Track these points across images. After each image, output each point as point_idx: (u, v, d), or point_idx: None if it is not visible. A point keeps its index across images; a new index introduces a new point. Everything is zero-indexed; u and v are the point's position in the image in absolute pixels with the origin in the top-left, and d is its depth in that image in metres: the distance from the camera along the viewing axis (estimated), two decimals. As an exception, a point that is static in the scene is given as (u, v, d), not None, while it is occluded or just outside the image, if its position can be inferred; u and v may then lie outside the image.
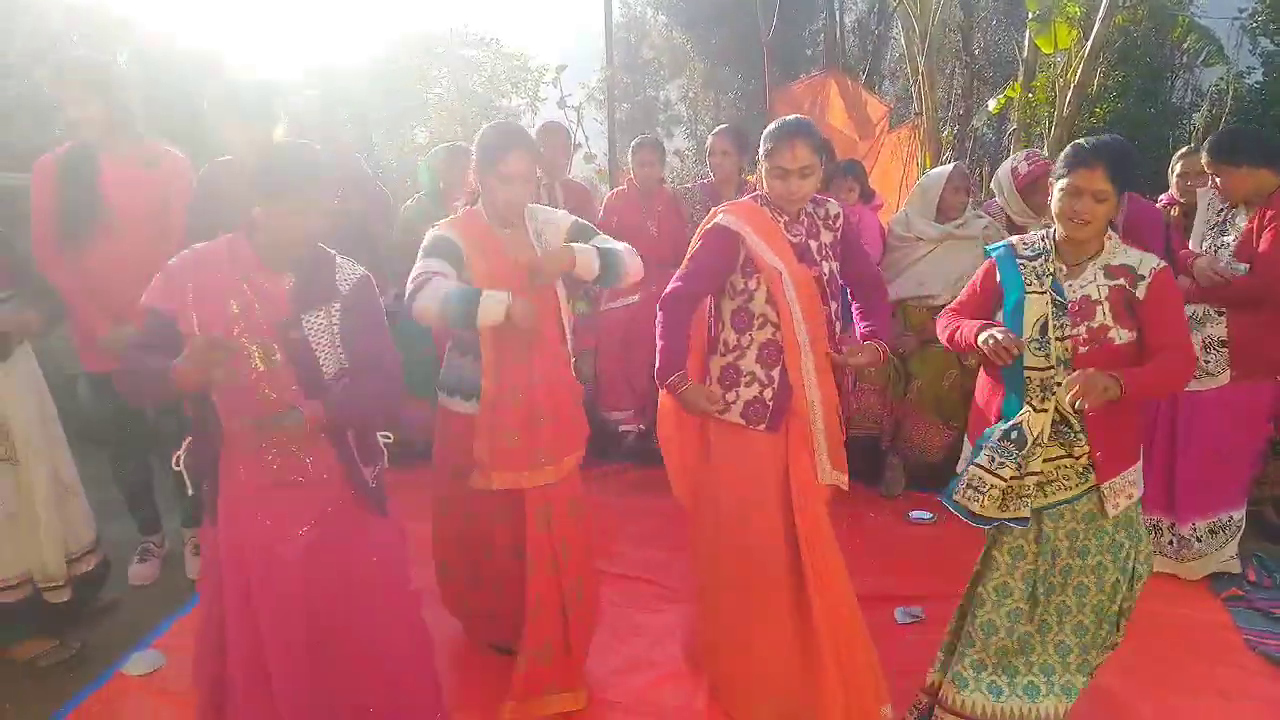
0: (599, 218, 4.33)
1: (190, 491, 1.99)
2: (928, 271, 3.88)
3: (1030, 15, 6.97)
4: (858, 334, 2.55)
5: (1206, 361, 3.15)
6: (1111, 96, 9.71)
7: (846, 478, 2.45)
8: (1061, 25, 6.73)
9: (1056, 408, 2.10)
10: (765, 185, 2.35)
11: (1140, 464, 2.24)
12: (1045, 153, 6.15)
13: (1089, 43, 6.60)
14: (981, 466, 2.12)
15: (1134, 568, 2.20)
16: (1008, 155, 5.67)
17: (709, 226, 2.40)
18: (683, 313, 2.40)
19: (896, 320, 3.96)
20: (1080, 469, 2.15)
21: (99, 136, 2.83)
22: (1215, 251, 3.17)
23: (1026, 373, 2.13)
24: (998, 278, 2.26)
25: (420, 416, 4.25)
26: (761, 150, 2.34)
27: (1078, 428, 2.12)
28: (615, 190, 4.82)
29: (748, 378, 2.38)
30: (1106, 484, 2.15)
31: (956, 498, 2.17)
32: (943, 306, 3.83)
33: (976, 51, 12.14)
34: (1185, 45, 9.04)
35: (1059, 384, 2.08)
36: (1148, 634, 2.68)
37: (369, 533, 2.09)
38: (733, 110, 14.90)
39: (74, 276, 2.87)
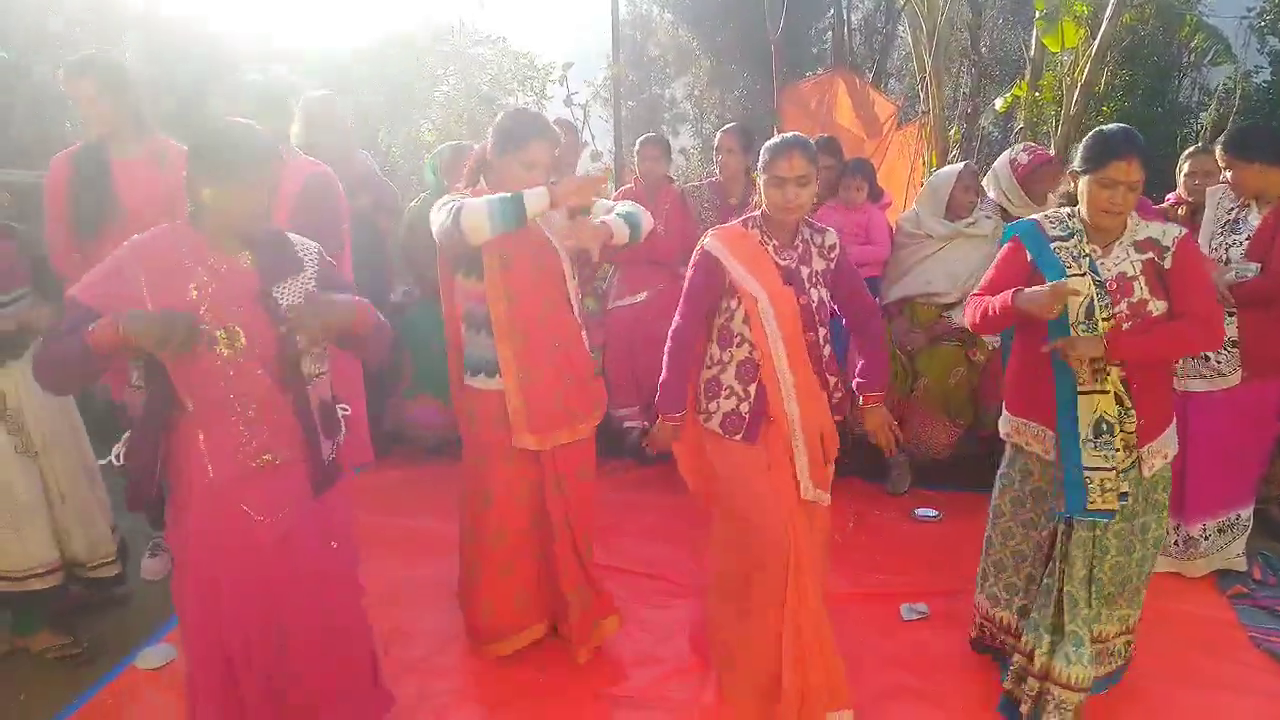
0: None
1: (132, 486, 1.96)
2: (935, 270, 3.89)
3: (1037, 14, 6.95)
4: (854, 383, 2.61)
5: (1218, 362, 3.15)
6: (1118, 95, 9.67)
7: (828, 495, 2.52)
8: (1069, 24, 6.71)
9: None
10: (764, 196, 2.40)
11: (1174, 425, 2.36)
12: (1050, 149, 6.16)
13: (1096, 41, 6.58)
14: (1095, 467, 2.19)
15: (1154, 535, 2.37)
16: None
17: (698, 251, 2.47)
18: (685, 341, 2.51)
19: (904, 318, 3.97)
20: (1131, 442, 2.25)
21: (110, 134, 2.85)
22: (1226, 250, 3.18)
23: None
24: (1028, 257, 2.31)
25: (430, 414, 4.29)
26: (760, 163, 2.40)
27: (1129, 403, 2.19)
28: (622, 189, 4.83)
29: (727, 391, 2.46)
30: (1146, 447, 2.25)
31: (1091, 506, 2.22)
32: (950, 305, 3.90)
33: (984, 50, 12.09)
34: (1193, 44, 9.00)
35: (1112, 364, 2.17)
36: (1153, 630, 2.70)
37: (328, 518, 2.11)
38: (738, 108, 14.88)
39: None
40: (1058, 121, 7.08)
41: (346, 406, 2.23)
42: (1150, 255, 2.22)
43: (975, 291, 2.47)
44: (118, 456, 1.97)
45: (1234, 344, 3.14)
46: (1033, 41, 7.52)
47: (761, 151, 2.40)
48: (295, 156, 2.99)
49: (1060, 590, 2.34)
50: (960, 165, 3.95)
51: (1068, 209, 2.36)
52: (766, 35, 8.57)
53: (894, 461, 4.08)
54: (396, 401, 4.33)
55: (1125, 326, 2.18)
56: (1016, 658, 2.45)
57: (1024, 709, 2.37)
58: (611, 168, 8.39)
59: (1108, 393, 2.17)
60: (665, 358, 2.52)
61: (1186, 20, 8.68)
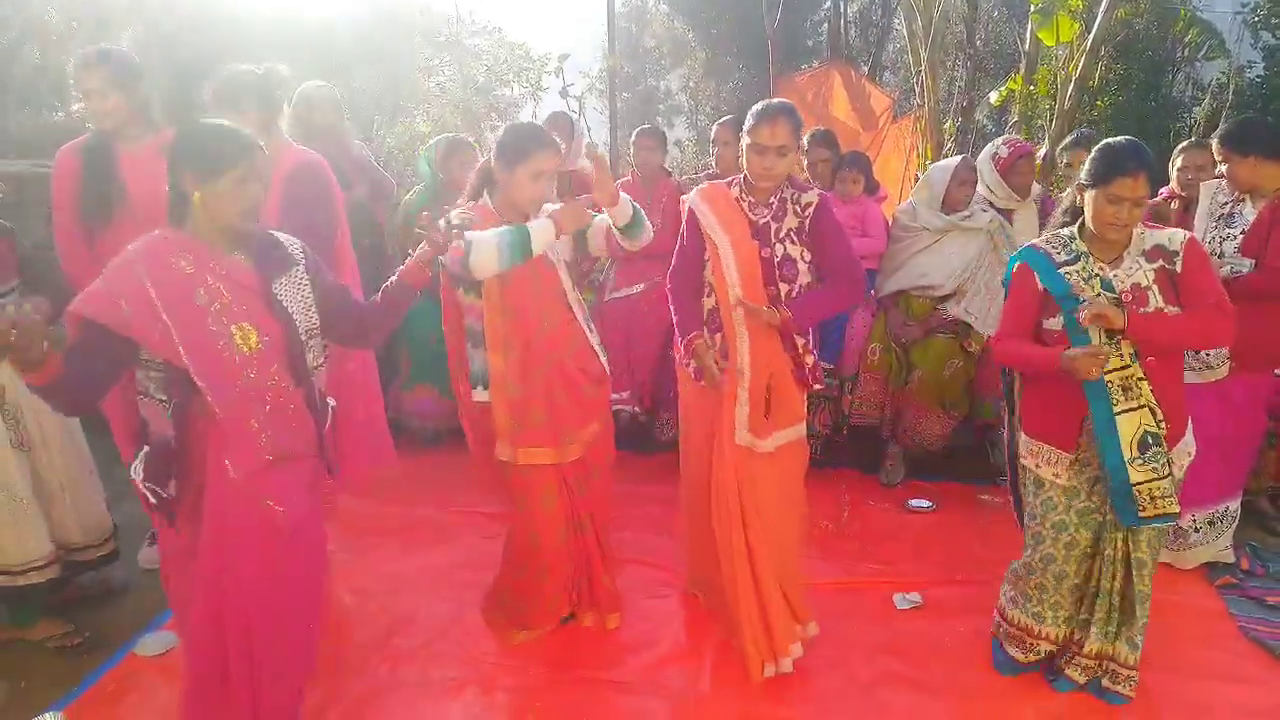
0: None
1: (153, 502, 1.96)
2: (930, 262, 3.91)
3: (1032, 8, 6.97)
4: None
5: (1207, 355, 3.17)
6: (1112, 89, 9.68)
7: (769, 444, 2.55)
8: (1064, 18, 6.74)
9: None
10: (744, 159, 2.48)
11: (1191, 425, 2.40)
12: (1045, 145, 6.20)
13: (1090, 36, 6.60)
14: (1143, 480, 2.21)
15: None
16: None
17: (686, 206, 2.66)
18: (679, 284, 2.71)
19: (899, 310, 3.99)
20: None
21: (117, 127, 2.85)
22: (1220, 244, 3.21)
23: (1107, 377, 2.18)
24: (1039, 285, 2.32)
25: (428, 404, 4.31)
26: (746, 125, 2.46)
27: (1160, 414, 2.21)
28: (619, 181, 4.84)
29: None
30: (1174, 449, 2.29)
31: (1143, 514, 2.23)
32: (945, 297, 3.92)
33: (979, 44, 12.09)
34: (1187, 39, 9.04)
35: (1140, 379, 2.18)
36: (1143, 620, 2.74)
37: (318, 506, 2.17)
38: (734, 100, 14.83)
39: (96, 265, 2.89)
40: (1052, 115, 7.10)
41: (333, 400, 2.25)
42: (1161, 263, 2.23)
43: (1000, 332, 2.46)
44: (136, 471, 1.98)
45: (1223, 337, 3.18)
46: (1028, 35, 7.53)
47: (748, 115, 2.45)
48: (285, 145, 2.98)
49: (1123, 590, 2.41)
50: (957, 159, 3.97)
51: (1068, 230, 2.36)
52: (763, 27, 8.57)
53: (888, 453, 4.11)
54: (395, 393, 4.34)
55: None
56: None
57: (1074, 675, 2.50)
58: (605, 156, 8.38)
59: (1144, 407, 2.18)
60: (670, 298, 2.71)
61: (1180, 15, 8.71)
